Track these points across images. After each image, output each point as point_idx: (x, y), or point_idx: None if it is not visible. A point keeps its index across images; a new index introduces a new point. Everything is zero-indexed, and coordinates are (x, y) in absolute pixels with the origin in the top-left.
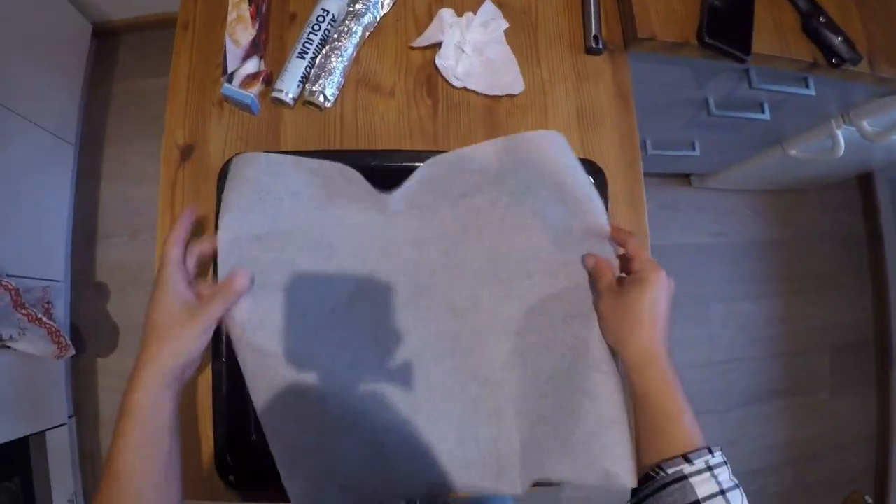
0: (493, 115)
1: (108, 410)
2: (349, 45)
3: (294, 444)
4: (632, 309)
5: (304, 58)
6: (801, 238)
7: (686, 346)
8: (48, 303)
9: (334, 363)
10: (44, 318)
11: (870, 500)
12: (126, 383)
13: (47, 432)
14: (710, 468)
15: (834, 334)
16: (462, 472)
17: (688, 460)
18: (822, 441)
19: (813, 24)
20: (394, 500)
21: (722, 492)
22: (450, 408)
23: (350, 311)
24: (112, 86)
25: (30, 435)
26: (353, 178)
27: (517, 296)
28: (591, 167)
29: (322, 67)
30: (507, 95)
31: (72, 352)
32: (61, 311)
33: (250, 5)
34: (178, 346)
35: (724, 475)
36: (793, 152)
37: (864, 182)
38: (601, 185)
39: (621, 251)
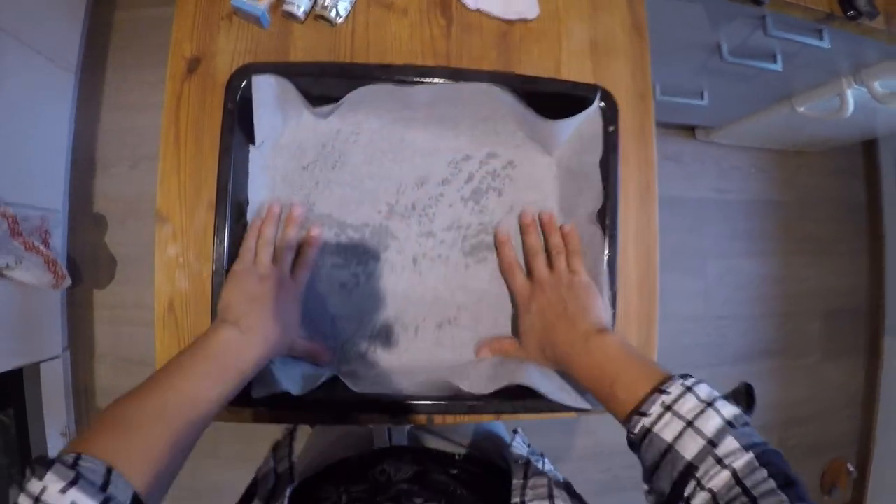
0: (506, 38)
1: (103, 344)
2: None
3: None
4: (531, 344)
5: None
6: (802, 200)
7: (681, 298)
8: (46, 232)
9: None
10: (41, 247)
11: (852, 468)
12: (227, 334)
13: (41, 364)
14: (667, 408)
15: (828, 299)
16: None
17: (642, 413)
18: (807, 405)
19: None
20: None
21: (689, 423)
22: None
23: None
24: (114, 13)
25: (23, 366)
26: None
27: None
28: (602, 94)
29: None
30: (521, 20)
31: (68, 282)
32: (59, 241)
33: None
34: (290, 350)
35: (690, 403)
36: (801, 109)
37: (869, 149)
38: (612, 111)
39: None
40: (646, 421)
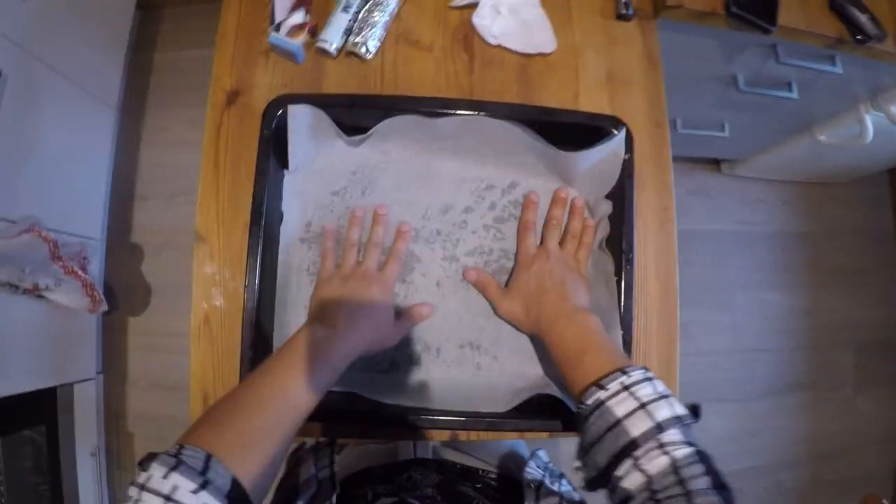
0: (525, 72)
1: (135, 369)
2: (392, 2)
3: None
4: (518, 297)
5: (348, 11)
6: (829, 231)
7: (710, 332)
8: (84, 258)
9: None
10: (79, 272)
11: None
12: (314, 333)
13: (75, 385)
14: (625, 387)
15: (859, 331)
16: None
17: (601, 387)
18: (841, 439)
19: (839, 1)
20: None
21: (643, 405)
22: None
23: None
24: (154, 55)
25: (58, 386)
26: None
27: None
28: (616, 123)
29: (365, 21)
30: (540, 54)
31: (104, 307)
32: (96, 268)
33: None
34: (383, 344)
35: (647, 390)
36: (822, 137)
37: (895, 177)
38: (627, 139)
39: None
40: (602, 394)
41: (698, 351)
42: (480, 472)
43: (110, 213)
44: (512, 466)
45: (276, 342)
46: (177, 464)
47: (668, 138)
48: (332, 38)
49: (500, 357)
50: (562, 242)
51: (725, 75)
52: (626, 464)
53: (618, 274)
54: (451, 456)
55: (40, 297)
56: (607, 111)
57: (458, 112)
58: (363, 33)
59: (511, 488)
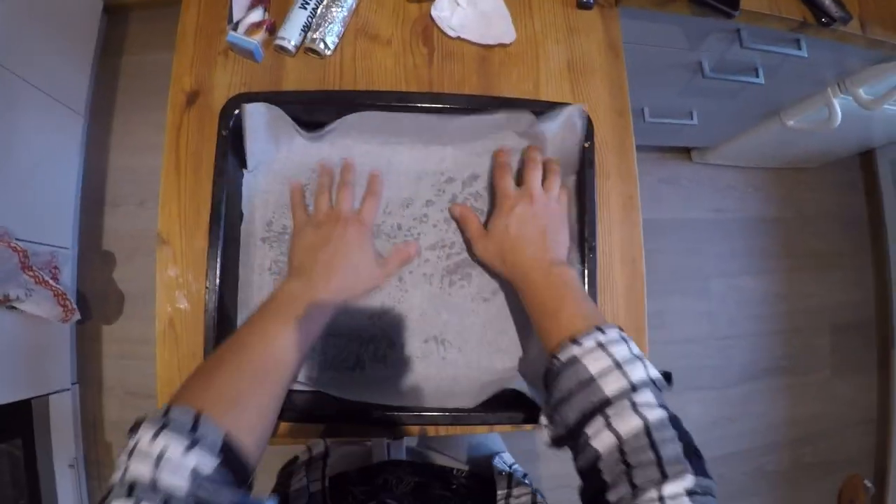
0: (486, 63)
1: (111, 378)
2: None
3: None
4: (496, 241)
5: (305, 8)
6: (801, 216)
7: (686, 320)
8: (55, 267)
9: None
10: (50, 281)
11: (869, 484)
12: (291, 285)
13: (51, 396)
14: (600, 345)
15: (834, 314)
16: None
17: (576, 342)
18: (821, 421)
19: None
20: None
21: (617, 364)
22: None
23: None
24: (121, 59)
25: (33, 398)
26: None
27: None
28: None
29: (323, 17)
30: (500, 45)
31: (77, 316)
32: (68, 277)
33: None
34: (366, 285)
35: (622, 350)
36: (790, 122)
37: (866, 162)
38: (587, 127)
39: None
40: (577, 350)
41: (674, 339)
42: (455, 471)
43: (81, 220)
44: (482, 462)
45: None
46: (164, 424)
47: (631, 126)
48: (290, 35)
49: (465, 350)
50: (544, 181)
51: (691, 62)
52: (597, 422)
53: (581, 263)
54: (424, 457)
55: (11, 307)
56: (568, 100)
57: (417, 105)
58: (321, 29)
59: (482, 484)
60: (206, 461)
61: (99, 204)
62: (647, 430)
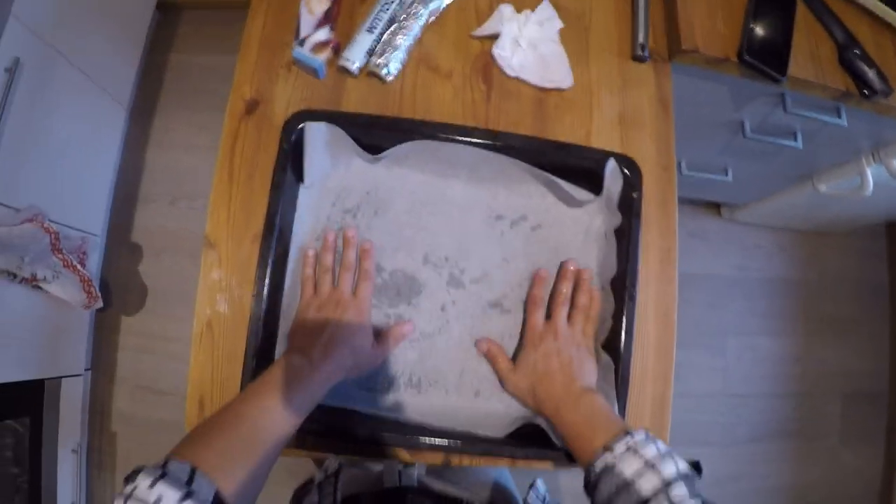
0: (541, 105)
1: (124, 369)
2: (415, 26)
3: None
4: (526, 377)
5: (372, 32)
6: (824, 281)
7: (700, 375)
8: (84, 253)
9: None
10: (78, 266)
11: None
12: (292, 360)
13: (63, 380)
14: (631, 448)
15: (848, 381)
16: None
17: (608, 449)
18: (823, 490)
19: (848, 56)
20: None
21: (649, 464)
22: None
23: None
24: (168, 56)
25: (46, 379)
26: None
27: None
28: (628, 162)
29: (388, 43)
30: (556, 89)
31: (100, 303)
32: (94, 264)
33: None
34: (364, 364)
35: (651, 450)
36: (822, 188)
37: (893, 231)
38: (636, 178)
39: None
40: (610, 457)
41: (687, 392)
42: (465, 501)
43: (112, 210)
44: (498, 498)
45: (279, 353)
46: (162, 474)
47: (674, 181)
48: (354, 57)
49: (500, 386)
50: (570, 317)
51: (733, 121)
52: None
53: (620, 311)
54: (435, 486)
55: (37, 287)
56: (619, 150)
57: (474, 140)
58: (386, 55)
59: None
60: None
61: (132, 197)
62: None
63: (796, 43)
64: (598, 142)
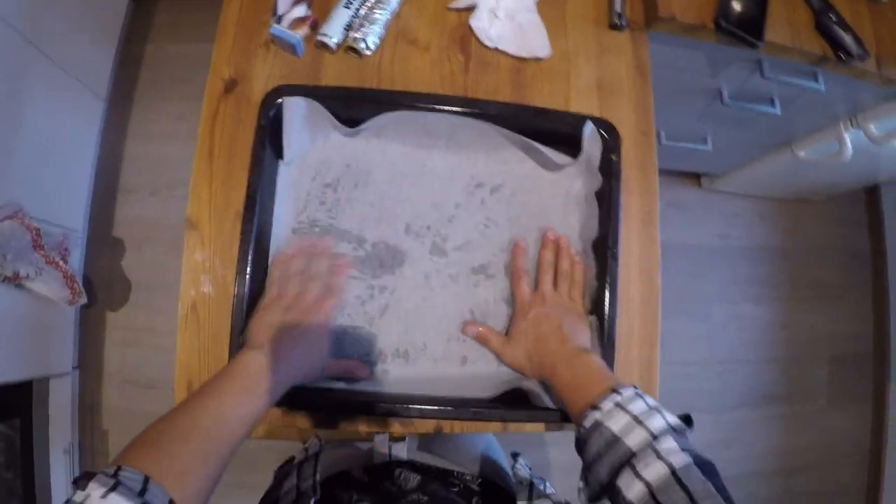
0: (519, 75)
1: (111, 364)
2: (392, 0)
3: None
4: (520, 345)
5: (350, 7)
6: (805, 247)
7: (685, 343)
8: (66, 249)
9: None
10: (60, 263)
11: None
12: (250, 358)
13: (51, 380)
14: (618, 405)
15: (833, 345)
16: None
17: (596, 408)
18: (814, 452)
19: (824, 21)
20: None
21: (637, 419)
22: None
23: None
24: (145, 47)
25: (34, 380)
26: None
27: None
28: (606, 126)
29: (365, 18)
30: (534, 58)
31: (84, 299)
32: (77, 260)
33: None
34: (312, 374)
35: (639, 405)
36: (801, 153)
37: (871, 197)
38: (615, 142)
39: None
40: (598, 414)
41: (672, 360)
42: (456, 473)
43: (93, 204)
44: (487, 469)
45: None
46: (115, 484)
47: (653, 145)
48: (332, 33)
49: (485, 350)
50: (555, 283)
51: (711, 88)
52: (627, 474)
53: (603, 272)
54: (425, 459)
55: (20, 286)
56: (597, 115)
57: (451, 108)
58: (363, 29)
59: (485, 490)
60: None
61: (112, 190)
62: (674, 473)
63: (773, 10)
64: (577, 108)
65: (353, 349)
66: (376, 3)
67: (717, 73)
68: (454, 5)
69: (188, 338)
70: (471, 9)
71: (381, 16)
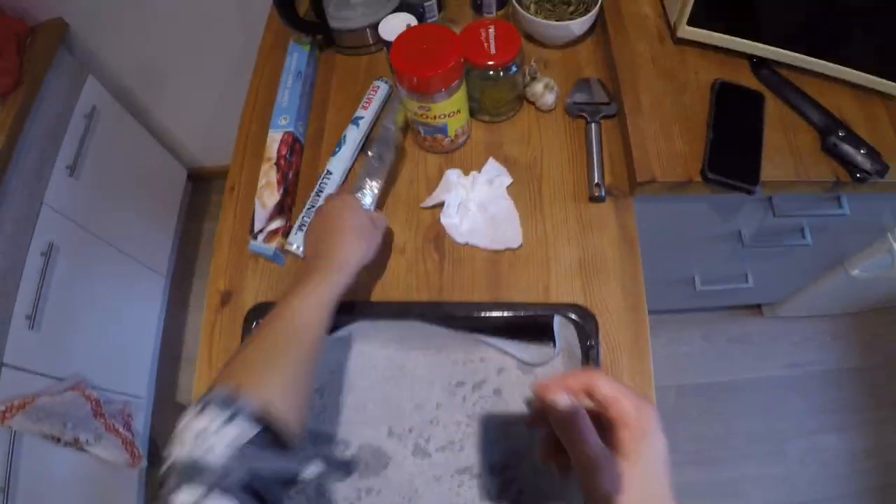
0: (495, 267)
1: None
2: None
3: None
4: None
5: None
6: (884, 361)
7: (762, 487)
8: (128, 415)
9: None
10: (120, 429)
11: None
12: (306, 262)
13: None
14: None
15: None
16: None
17: None
18: None
19: (832, 141)
20: None
21: None
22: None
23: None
24: (203, 224)
25: None
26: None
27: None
28: (581, 313)
29: None
30: (508, 249)
31: (144, 463)
32: (141, 423)
33: (277, 172)
34: (372, 247)
35: None
36: (855, 272)
37: None
38: (591, 327)
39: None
40: None
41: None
42: None
43: (158, 372)
44: None
45: None
46: (207, 402)
47: (646, 323)
48: (295, 240)
49: None
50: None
51: (730, 233)
52: None
53: None
54: None
55: (81, 450)
56: (579, 300)
57: (423, 319)
58: None
59: None
60: (246, 430)
61: (175, 358)
62: None
63: (770, 141)
64: (558, 295)
65: None
66: None
67: (729, 219)
68: (425, 203)
69: None
70: (441, 205)
71: None
